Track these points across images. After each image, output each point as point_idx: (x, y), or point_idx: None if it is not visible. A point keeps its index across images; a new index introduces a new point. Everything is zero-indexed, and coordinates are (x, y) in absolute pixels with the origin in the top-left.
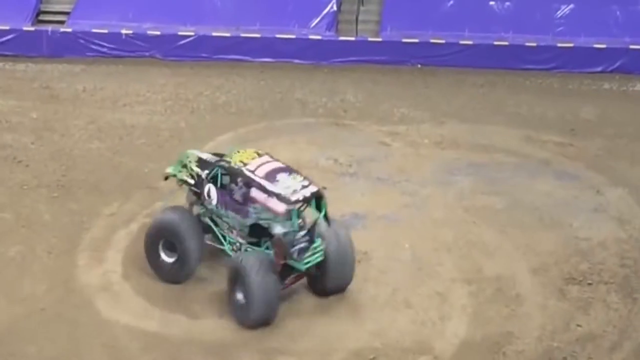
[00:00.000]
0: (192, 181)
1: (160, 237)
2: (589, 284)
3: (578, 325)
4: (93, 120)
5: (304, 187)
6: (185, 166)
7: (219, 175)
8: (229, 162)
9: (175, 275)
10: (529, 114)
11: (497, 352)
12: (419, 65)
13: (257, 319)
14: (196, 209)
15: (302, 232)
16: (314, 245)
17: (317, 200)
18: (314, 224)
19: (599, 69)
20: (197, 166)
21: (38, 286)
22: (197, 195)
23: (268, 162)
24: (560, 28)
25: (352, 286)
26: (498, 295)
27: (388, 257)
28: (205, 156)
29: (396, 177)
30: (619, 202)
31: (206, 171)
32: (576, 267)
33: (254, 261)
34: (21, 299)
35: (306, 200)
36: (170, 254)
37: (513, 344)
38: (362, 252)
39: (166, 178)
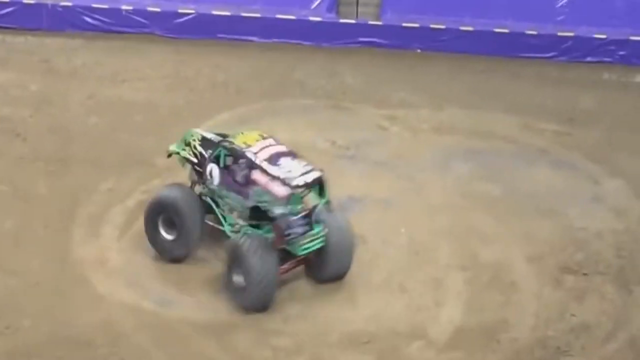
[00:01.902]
0: (195, 160)
1: (160, 213)
2: (585, 274)
3: (572, 315)
4: (92, 95)
5: (306, 172)
6: (188, 144)
7: (222, 155)
8: (232, 143)
9: (173, 253)
10: (528, 102)
11: (491, 339)
12: (419, 50)
13: (254, 301)
14: (198, 189)
15: (301, 217)
16: (314, 231)
17: (320, 186)
18: (313, 209)
19: (599, 59)
20: (200, 145)
21: (33, 260)
22: (200, 174)
23: (272, 145)
24: (561, 17)
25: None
26: (493, 282)
27: (384, 241)
28: (210, 135)
29: (394, 161)
30: (616, 193)
31: (209, 151)
32: (572, 257)
33: (253, 243)
34: (16, 272)
35: (308, 186)
36: (169, 231)
37: (507, 332)
38: (358, 236)
39: (169, 155)
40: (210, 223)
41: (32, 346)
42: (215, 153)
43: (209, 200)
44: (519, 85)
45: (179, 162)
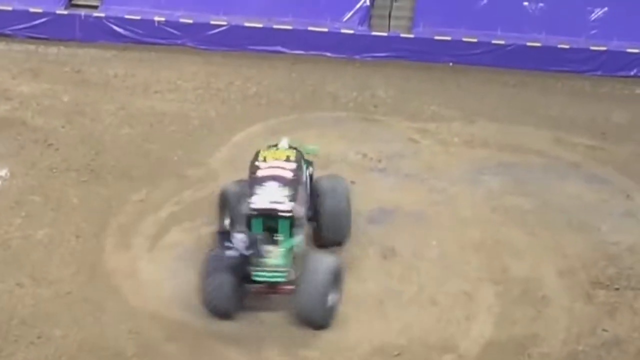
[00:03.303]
0: None
1: None
2: (616, 288)
3: (604, 330)
4: (123, 106)
5: (277, 202)
6: None
7: None
8: (256, 155)
9: None
10: (560, 116)
11: (522, 354)
12: (451, 64)
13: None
14: None
15: (245, 242)
16: (271, 262)
17: (280, 220)
18: (256, 239)
19: (632, 73)
20: None
21: (65, 270)
22: None
23: (278, 167)
24: (594, 31)
25: (378, 282)
26: (525, 296)
27: (415, 254)
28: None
29: (425, 174)
30: None
31: None
32: (603, 271)
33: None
34: (48, 281)
35: (261, 213)
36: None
37: (538, 346)
38: (388, 249)
39: None
40: None
41: (63, 356)
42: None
43: None
44: (551, 99)
45: None
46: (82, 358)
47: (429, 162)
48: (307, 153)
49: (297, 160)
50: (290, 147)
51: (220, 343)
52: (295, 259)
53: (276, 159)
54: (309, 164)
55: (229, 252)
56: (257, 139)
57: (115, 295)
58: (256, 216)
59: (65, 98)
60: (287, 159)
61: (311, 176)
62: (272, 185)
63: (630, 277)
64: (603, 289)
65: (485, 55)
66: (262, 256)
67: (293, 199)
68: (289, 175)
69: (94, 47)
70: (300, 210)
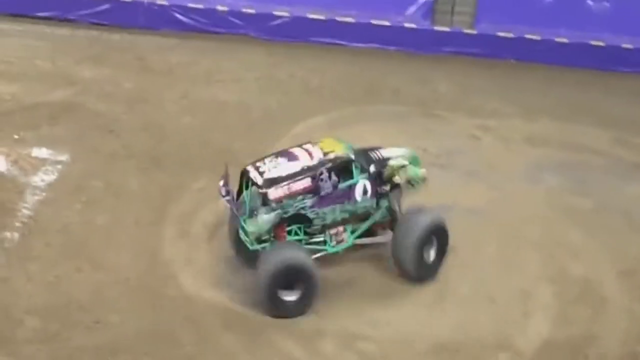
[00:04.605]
0: None
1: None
2: None
3: None
4: (185, 95)
5: (261, 174)
6: None
7: None
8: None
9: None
10: (622, 116)
11: (579, 353)
12: (513, 60)
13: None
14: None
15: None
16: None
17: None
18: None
19: None
20: None
21: (123, 256)
22: None
23: (307, 151)
24: None
25: (436, 278)
26: (583, 296)
27: (473, 251)
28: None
29: (485, 171)
30: None
31: None
32: None
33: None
34: (106, 267)
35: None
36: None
37: (596, 347)
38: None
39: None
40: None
41: (119, 342)
42: None
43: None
44: (613, 100)
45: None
46: (139, 345)
47: (489, 159)
48: (409, 179)
49: (335, 161)
50: (372, 156)
51: (277, 334)
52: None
53: (321, 148)
54: (379, 179)
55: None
56: (317, 131)
57: (173, 283)
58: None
59: (127, 85)
60: (328, 152)
61: (390, 208)
62: (284, 161)
63: None
64: None
65: (548, 53)
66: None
67: (278, 182)
68: (305, 163)
69: (156, 34)
70: (276, 193)
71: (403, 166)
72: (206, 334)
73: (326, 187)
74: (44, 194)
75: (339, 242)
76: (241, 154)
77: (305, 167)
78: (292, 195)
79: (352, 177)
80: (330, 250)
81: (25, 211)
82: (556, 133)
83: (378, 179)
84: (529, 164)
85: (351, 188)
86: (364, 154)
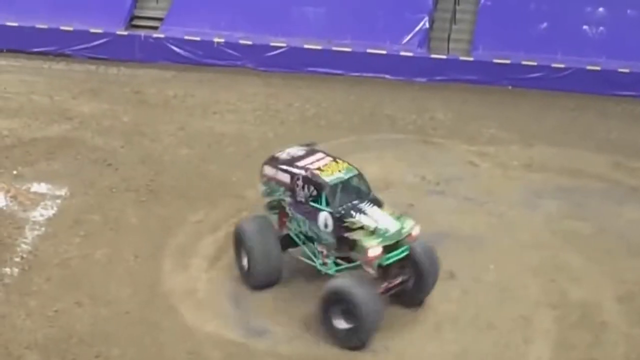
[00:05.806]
0: None
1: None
2: None
3: None
4: (183, 127)
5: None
6: None
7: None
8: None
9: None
10: (619, 140)
11: None
12: (510, 87)
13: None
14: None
15: None
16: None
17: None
18: None
19: None
20: None
21: (123, 289)
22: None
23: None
24: None
25: (435, 305)
26: (583, 321)
27: (472, 277)
28: None
29: (483, 197)
30: None
31: None
32: None
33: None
34: (106, 301)
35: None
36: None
37: None
38: (446, 272)
39: None
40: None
41: None
42: None
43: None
44: (610, 124)
45: None
46: None
47: (487, 186)
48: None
49: (310, 176)
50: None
51: None
52: None
53: (331, 168)
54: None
55: None
56: None
57: (173, 315)
58: None
59: (124, 118)
60: (339, 169)
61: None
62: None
63: None
64: None
65: (544, 79)
66: None
67: (273, 162)
68: (306, 164)
69: (153, 67)
70: (268, 171)
71: (372, 231)
72: None
73: (300, 195)
74: (43, 228)
75: (324, 263)
76: (239, 185)
77: (300, 166)
78: (277, 182)
79: (320, 203)
80: (318, 267)
81: (24, 246)
82: (554, 158)
83: (340, 223)
84: (527, 189)
85: (318, 213)
86: (363, 196)
